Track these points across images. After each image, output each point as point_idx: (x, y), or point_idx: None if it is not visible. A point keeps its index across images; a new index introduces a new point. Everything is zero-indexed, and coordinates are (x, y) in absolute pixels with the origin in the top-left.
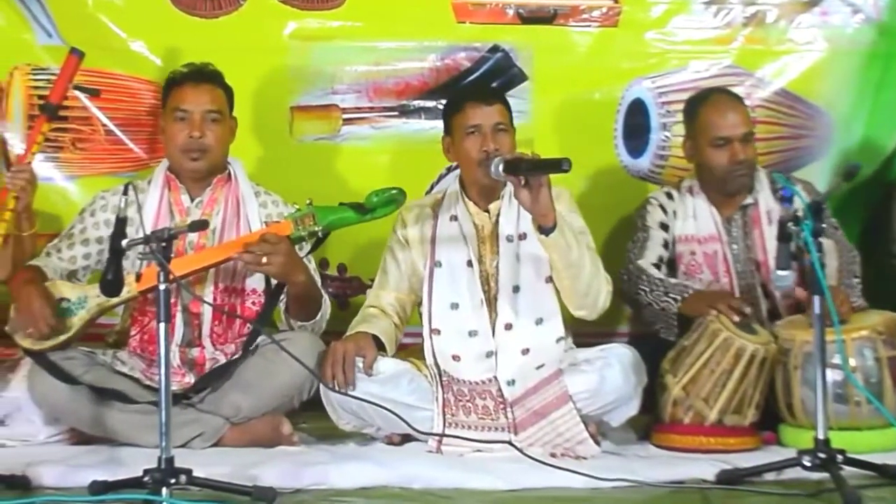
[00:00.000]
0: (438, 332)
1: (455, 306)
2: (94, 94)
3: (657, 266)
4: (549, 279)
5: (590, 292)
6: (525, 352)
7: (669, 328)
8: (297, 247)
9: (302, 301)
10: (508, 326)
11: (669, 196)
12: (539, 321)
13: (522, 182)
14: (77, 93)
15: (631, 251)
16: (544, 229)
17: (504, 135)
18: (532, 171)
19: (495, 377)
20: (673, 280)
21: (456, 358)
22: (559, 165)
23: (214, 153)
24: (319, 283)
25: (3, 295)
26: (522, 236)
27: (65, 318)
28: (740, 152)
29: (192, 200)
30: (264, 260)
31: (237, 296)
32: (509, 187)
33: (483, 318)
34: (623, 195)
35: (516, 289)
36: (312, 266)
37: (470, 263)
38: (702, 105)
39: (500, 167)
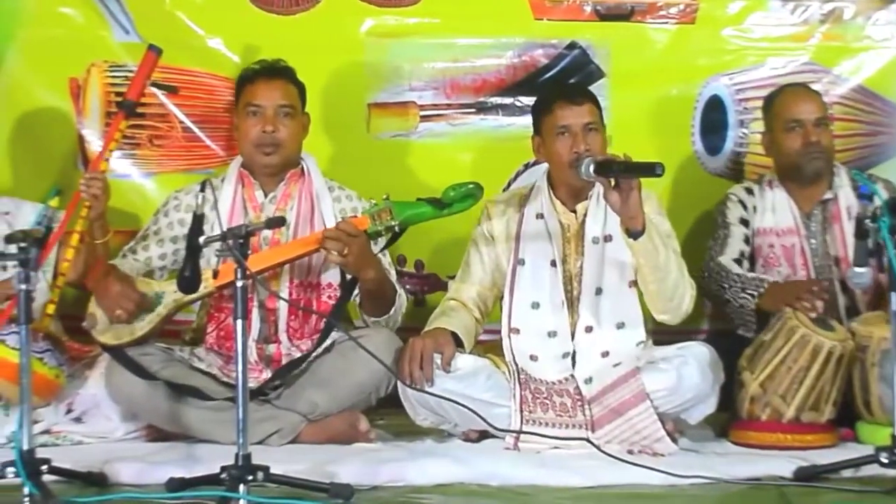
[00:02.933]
0: (517, 331)
1: (536, 305)
2: (171, 91)
3: (738, 262)
4: (633, 283)
5: (675, 296)
6: (605, 354)
7: (748, 325)
8: (371, 241)
9: (373, 296)
10: (589, 329)
11: (749, 191)
12: (621, 325)
13: (613, 184)
14: (154, 90)
15: (712, 248)
16: (633, 233)
17: (594, 134)
18: (623, 174)
19: (573, 375)
20: (750, 275)
21: (534, 358)
22: (652, 169)
23: (287, 148)
24: (394, 278)
25: (77, 295)
26: (608, 238)
27: (147, 296)
28: (813, 134)
29: (266, 196)
30: (345, 251)
31: (313, 290)
32: (598, 188)
33: (563, 319)
34: (701, 192)
35: (599, 291)
36: (387, 260)
37: (554, 263)
38: (778, 95)
39: (591, 168)
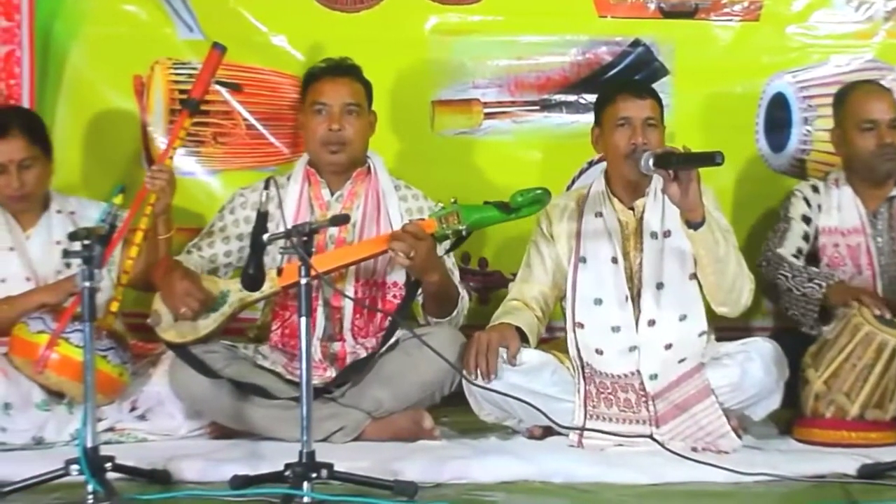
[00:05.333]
0: (582, 325)
1: (599, 302)
2: (235, 89)
3: (795, 258)
4: (693, 276)
5: (734, 288)
6: (668, 347)
7: (807, 315)
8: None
9: (437, 298)
10: (652, 322)
11: (815, 189)
12: (683, 317)
13: (672, 176)
14: (219, 88)
15: (770, 240)
16: (693, 224)
17: (653, 130)
18: (684, 165)
19: (638, 371)
20: (816, 269)
21: (599, 352)
22: (712, 158)
23: (354, 146)
24: (458, 280)
25: (141, 292)
26: (667, 233)
27: (212, 294)
28: (887, 136)
29: (332, 194)
30: (412, 254)
31: (378, 289)
32: (654, 184)
33: (627, 313)
34: (765, 189)
35: (660, 285)
36: (452, 261)
37: (615, 260)
38: (851, 92)
39: (651, 161)
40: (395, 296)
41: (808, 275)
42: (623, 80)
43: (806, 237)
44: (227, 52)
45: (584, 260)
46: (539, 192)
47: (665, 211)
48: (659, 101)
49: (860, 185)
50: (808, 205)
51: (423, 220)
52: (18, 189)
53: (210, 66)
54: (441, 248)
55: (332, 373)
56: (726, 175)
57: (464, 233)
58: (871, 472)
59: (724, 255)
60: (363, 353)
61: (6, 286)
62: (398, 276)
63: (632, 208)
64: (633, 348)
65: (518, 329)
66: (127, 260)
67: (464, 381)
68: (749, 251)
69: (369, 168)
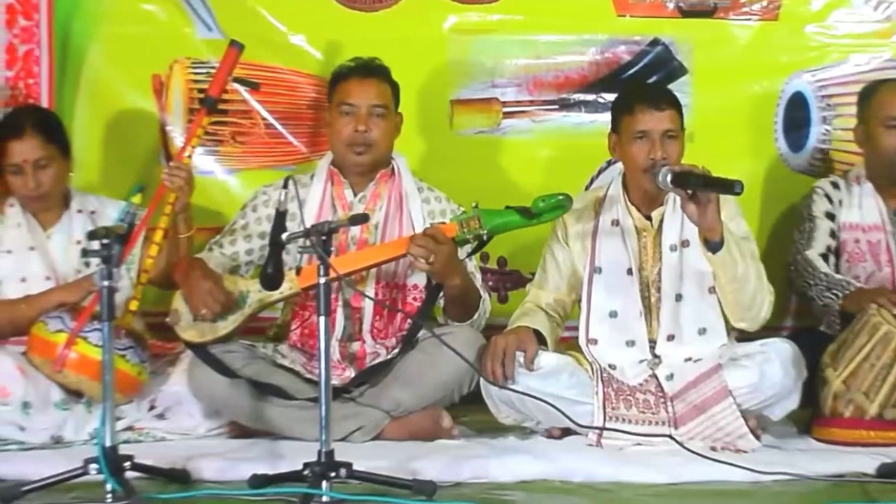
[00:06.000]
0: (595, 342)
1: (614, 314)
2: (253, 87)
3: (825, 257)
4: (713, 289)
5: (753, 305)
6: (688, 360)
7: (831, 324)
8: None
9: (458, 302)
10: (671, 337)
11: (835, 185)
12: (702, 331)
13: (689, 195)
14: (237, 86)
15: (798, 241)
16: (711, 245)
17: (673, 142)
18: (702, 189)
19: (654, 375)
20: (837, 276)
21: (612, 367)
22: (731, 187)
23: (379, 148)
24: (479, 283)
25: (160, 292)
26: (686, 244)
27: (233, 294)
28: None
29: (356, 195)
30: (431, 259)
31: (398, 291)
32: (672, 193)
33: (641, 328)
34: (783, 189)
35: (679, 297)
36: (473, 265)
37: (630, 271)
38: (877, 89)
39: (668, 178)
40: (415, 298)
41: (827, 284)
42: (642, 89)
43: (833, 234)
44: (245, 50)
45: (598, 270)
46: (561, 197)
47: (684, 222)
48: (679, 109)
49: (882, 183)
50: (830, 201)
51: (444, 223)
52: (34, 189)
53: (227, 63)
54: (462, 252)
55: (350, 373)
56: (745, 174)
57: (485, 237)
58: (889, 471)
59: (742, 273)
60: (383, 353)
61: (26, 285)
62: (419, 279)
63: (649, 218)
64: (643, 361)
65: (536, 332)
66: (147, 259)
67: (481, 384)
68: (772, 251)
69: (393, 169)
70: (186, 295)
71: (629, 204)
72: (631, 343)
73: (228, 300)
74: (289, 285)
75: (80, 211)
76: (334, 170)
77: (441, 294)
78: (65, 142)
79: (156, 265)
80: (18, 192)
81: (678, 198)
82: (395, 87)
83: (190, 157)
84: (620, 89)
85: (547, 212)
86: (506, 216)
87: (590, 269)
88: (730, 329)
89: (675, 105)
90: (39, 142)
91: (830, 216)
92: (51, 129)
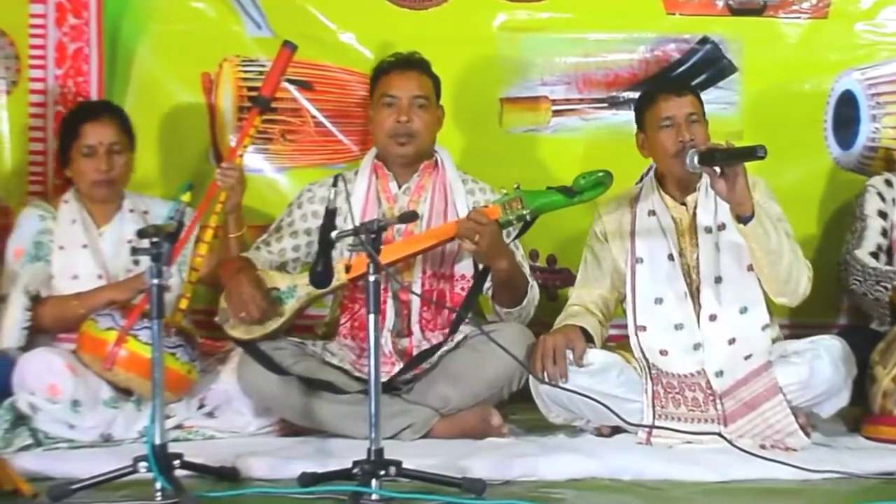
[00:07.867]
0: (644, 328)
1: (659, 301)
2: (306, 87)
3: (875, 255)
4: (751, 267)
5: (790, 279)
6: (731, 341)
7: (883, 319)
8: (503, 232)
9: (505, 286)
10: (713, 317)
11: (888, 183)
12: (743, 310)
13: (718, 172)
14: (289, 86)
15: (849, 241)
16: (742, 218)
17: (698, 125)
18: (727, 161)
19: (703, 370)
20: (885, 268)
21: (664, 353)
22: (754, 153)
23: (422, 139)
24: (528, 270)
25: (210, 290)
26: (721, 227)
27: (276, 304)
28: None
29: (400, 187)
30: (477, 238)
31: (445, 281)
32: (705, 179)
33: (688, 310)
34: (834, 187)
35: (718, 279)
36: (521, 253)
37: (671, 257)
38: None
39: (696, 159)
40: (462, 288)
41: (877, 277)
42: (660, 82)
43: (884, 233)
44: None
45: (640, 260)
46: (601, 174)
47: (717, 205)
48: (698, 96)
49: None
50: (882, 199)
51: (486, 206)
52: (106, 172)
53: (280, 64)
54: (507, 237)
55: (400, 367)
56: (795, 173)
57: (528, 217)
58: None
59: (776, 246)
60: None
61: (78, 283)
62: (465, 269)
63: (684, 204)
64: (697, 346)
65: (583, 330)
66: (197, 258)
67: (531, 383)
68: (821, 248)
69: (437, 161)
70: (228, 297)
71: (663, 193)
72: (680, 326)
73: (269, 308)
74: (336, 278)
75: (132, 210)
76: (378, 163)
77: (488, 284)
78: (133, 137)
79: (206, 264)
80: (88, 177)
81: (709, 181)
82: (435, 81)
83: (242, 156)
84: (640, 93)
85: (588, 189)
86: (548, 196)
87: (631, 261)
88: (772, 314)
89: (694, 91)
90: (115, 128)
91: (882, 214)
92: (124, 120)
